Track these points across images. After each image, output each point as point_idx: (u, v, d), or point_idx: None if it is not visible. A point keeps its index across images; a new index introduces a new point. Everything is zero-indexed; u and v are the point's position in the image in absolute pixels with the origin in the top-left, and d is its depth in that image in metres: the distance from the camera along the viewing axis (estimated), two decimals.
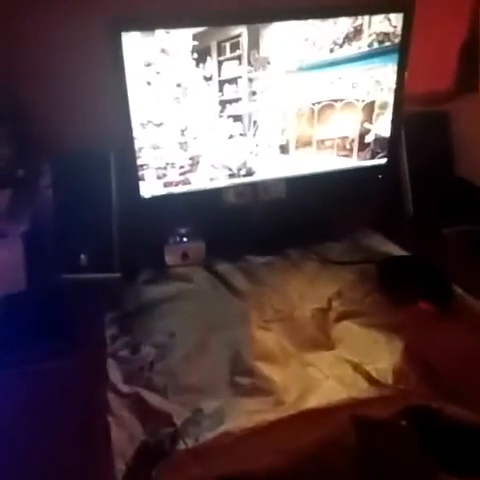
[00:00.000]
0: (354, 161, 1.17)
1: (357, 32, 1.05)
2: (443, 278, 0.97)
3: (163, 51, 0.95)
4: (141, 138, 1.00)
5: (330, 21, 1.02)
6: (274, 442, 0.66)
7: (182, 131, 1.02)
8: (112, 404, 0.72)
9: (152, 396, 0.74)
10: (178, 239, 1.08)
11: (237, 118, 1.05)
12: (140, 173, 1.02)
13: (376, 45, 1.07)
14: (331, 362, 0.81)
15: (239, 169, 1.10)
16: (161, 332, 0.87)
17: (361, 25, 1.04)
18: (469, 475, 0.67)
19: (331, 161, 1.15)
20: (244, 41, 0.99)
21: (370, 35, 1.06)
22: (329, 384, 0.76)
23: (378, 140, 1.16)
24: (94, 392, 0.74)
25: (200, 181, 1.08)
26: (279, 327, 0.89)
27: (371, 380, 0.76)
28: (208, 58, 0.98)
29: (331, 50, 1.05)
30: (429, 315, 0.91)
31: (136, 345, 0.84)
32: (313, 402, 0.72)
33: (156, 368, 0.80)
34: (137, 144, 1.00)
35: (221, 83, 1.01)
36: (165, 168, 1.04)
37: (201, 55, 0.97)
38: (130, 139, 0.98)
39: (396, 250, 1.10)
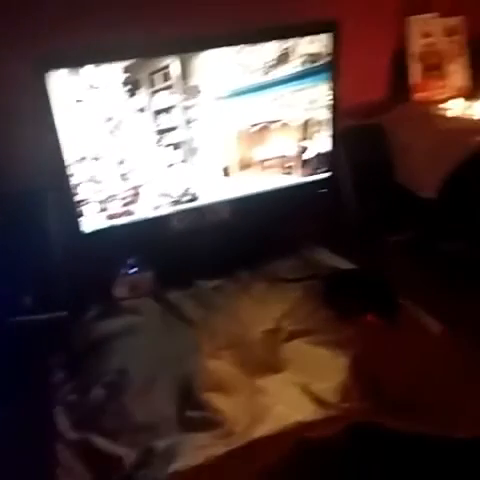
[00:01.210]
0: (297, 178, 1.18)
1: (287, 54, 1.06)
2: (388, 289, 0.99)
3: (93, 86, 0.95)
4: (78, 174, 0.99)
5: (260, 45, 1.04)
6: (224, 476, 0.66)
7: (120, 163, 1.02)
8: (60, 455, 0.71)
9: (102, 441, 0.73)
10: (126, 271, 1.07)
11: (176, 146, 1.05)
12: (80, 208, 1.01)
13: (307, 65, 1.09)
14: (280, 386, 0.82)
15: (182, 195, 1.10)
16: (111, 371, 0.86)
17: (291, 47, 1.06)
18: None
19: (274, 180, 1.16)
20: (174, 71, 0.99)
21: (300, 56, 1.07)
22: (278, 410, 0.76)
23: (318, 156, 1.18)
24: (42, 442, 0.73)
25: (144, 211, 1.08)
26: (230, 354, 0.89)
27: (318, 401, 0.78)
28: (140, 90, 0.98)
29: (264, 73, 1.06)
30: (376, 328, 0.93)
31: (85, 387, 0.83)
32: (263, 430, 0.73)
33: (106, 410, 0.79)
34: (75, 180, 0.99)
35: (156, 113, 1.01)
36: (106, 201, 1.04)
37: (132, 87, 0.97)
38: (65, 176, 0.97)
39: (342, 263, 1.12)
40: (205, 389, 0.81)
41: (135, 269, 1.08)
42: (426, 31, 1.31)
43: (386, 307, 0.96)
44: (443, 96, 1.31)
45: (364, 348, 0.88)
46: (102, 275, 1.05)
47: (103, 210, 1.04)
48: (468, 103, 1.23)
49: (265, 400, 0.79)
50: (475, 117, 1.16)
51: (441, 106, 1.23)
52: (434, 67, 1.33)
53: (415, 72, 1.31)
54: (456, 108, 1.21)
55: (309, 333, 0.93)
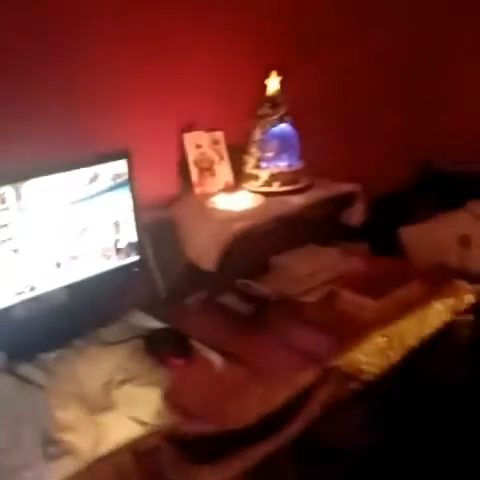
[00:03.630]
0: (115, 262, 1.56)
1: (97, 175, 1.45)
2: (184, 338, 1.41)
3: None
4: None
5: (74, 172, 1.41)
6: None
7: None
8: None
9: None
10: None
11: (15, 250, 1.35)
12: None
13: (112, 182, 1.49)
14: (114, 419, 1.16)
15: (23, 287, 1.40)
16: None
17: (98, 170, 1.45)
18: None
19: (97, 266, 1.52)
20: (10, 195, 1.31)
21: (107, 175, 1.47)
22: (115, 434, 1.11)
23: (129, 244, 1.57)
24: None
25: None
26: (75, 404, 1.21)
27: (142, 423, 1.14)
28: None
29: (82, 189, 1.43)
30: (180, 367, 1.34)
31: None
32: (104, 449, 1.07)
33: None
34: None
35: None
36: None
37: None
38: None
39: (155, 323, 1.51)
40: (59, 431, 1.12)
41: None
42: (198, 143, 1.82)
43: (183, 350, 1.37)
44: (214, 190, 1.81)
45: (172, 382, 1.27)
46: None
47: None
48: (230, 196, 1.74)
49: (105, 429, 1.13)
50: (234, 208, 1.66)
51: (213, 199, 1.72)
52: (206, 169, 1.83)
53: (193, 173, 1.80)
54: (222, 200, 1.72)
55: (136, 378, 1.29)
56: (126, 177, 1.52)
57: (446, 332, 1.64)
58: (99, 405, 1.21)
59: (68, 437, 1.11)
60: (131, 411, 1.18)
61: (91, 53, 1.53)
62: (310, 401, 1.25)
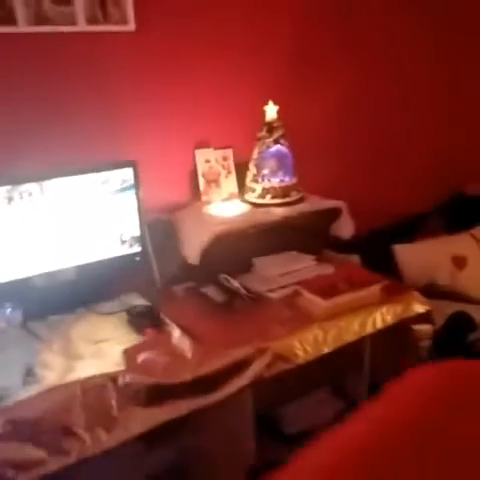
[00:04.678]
0: (119, 251, 1.91)
1: (107, 179, 1.82)
2: (158, 314, 1.71)
3: None
4: None
5: (90, 175, 1.79)
6: (35, 404, 1.33)
7: None
8: None
9: None
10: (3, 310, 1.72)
11: (37, 235, 1.75)
12: None
13: (120, 185, 1.85)
14: (84, 364, 1.49)
15: (43, 264, 1.79)
16: None
17: (110, 175, 1.82)
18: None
19: (104, 252, 1.88)
20: (35, 191, 1.71)
21: (116, 179, 1.83)
22: (77, 375, 1.44)
23: (133, 237, 1.92)
24: None
25: (14, 273, 1.75)
26: (59, 352, 1.56)
27: (101, 370, 1.46)
28: (14, 200, 1.69)
29: (95, 188, 1.80)
30: (152, 334, 1.64)
31: None
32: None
33: None
34: None
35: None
36: None
37: (9, 200, 1.68)
38: None
39: (143, 301, 1.84)
40: (40, 368, 1.47)
41: (9, 309, 1.73)
42: (207, 158, 2.13)
43: (156, 323, 1.68)
44: (218, 199, 2.11)
45: (137, 347, 1.58)
46: None
47: None
48: (224, 204, 2.03)
49: (71, 371, 1.46)
50: (222, 214, 1.95)
51: (208, 206, 2.03)
52: (213, 181, 2.14)
53: (201, 184, 2.11)
54: (216, 208, 2.01)
55: (109, 340, 1.62)
56: (132, 182, 1.87)
57: (407, 343, 1.79)
58: (76, 354, 1.55)
59: (43, 372, 1.46)
60: (97, 361, 1.51)
61: (121, 86, 1.91)
62: (241, 372, 1.49)
